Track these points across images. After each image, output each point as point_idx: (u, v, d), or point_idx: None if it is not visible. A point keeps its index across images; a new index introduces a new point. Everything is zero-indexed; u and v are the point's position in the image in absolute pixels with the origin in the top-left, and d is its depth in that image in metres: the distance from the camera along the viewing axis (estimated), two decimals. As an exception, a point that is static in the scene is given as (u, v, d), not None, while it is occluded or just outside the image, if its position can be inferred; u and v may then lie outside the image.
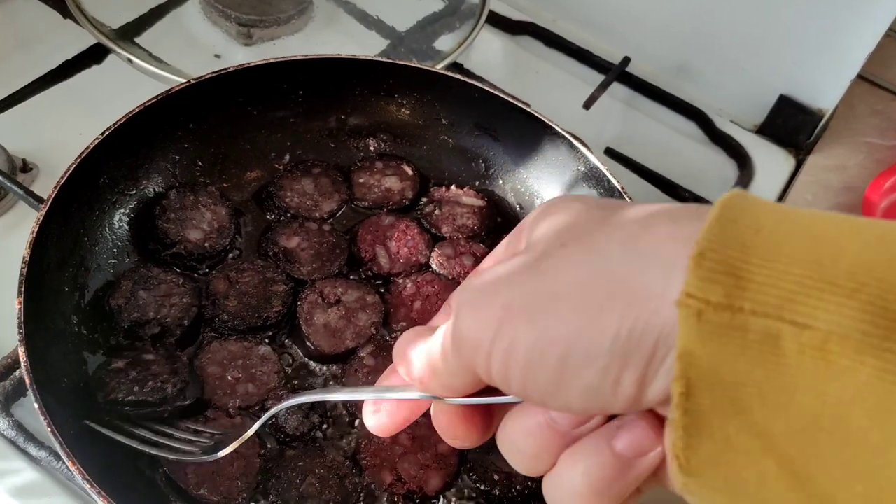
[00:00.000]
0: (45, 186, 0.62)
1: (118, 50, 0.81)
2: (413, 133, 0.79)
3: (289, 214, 0.72)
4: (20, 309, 0.54)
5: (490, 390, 0.36)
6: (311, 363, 0.64)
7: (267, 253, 0.68)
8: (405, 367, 0.39)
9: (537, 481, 0.36)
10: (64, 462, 0.49)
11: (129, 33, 0.86)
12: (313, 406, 0.61)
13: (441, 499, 0.60)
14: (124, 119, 0.64)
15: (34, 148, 0.78)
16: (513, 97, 0.75)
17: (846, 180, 0.97)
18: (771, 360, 0.26)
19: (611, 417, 0.34)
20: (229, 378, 0.61)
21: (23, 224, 0.73)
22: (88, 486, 0.48)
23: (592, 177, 0.72)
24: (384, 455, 0.60)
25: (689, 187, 0.89)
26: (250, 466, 0.57)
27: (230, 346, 0.62)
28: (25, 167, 0.77)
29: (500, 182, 0.79)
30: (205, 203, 0.69)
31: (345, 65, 0.74)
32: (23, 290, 0.54)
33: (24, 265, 0.55)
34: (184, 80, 0.69)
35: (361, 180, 0.76)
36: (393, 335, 0.66)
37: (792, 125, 0.99)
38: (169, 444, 0.53)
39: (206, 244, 0.67)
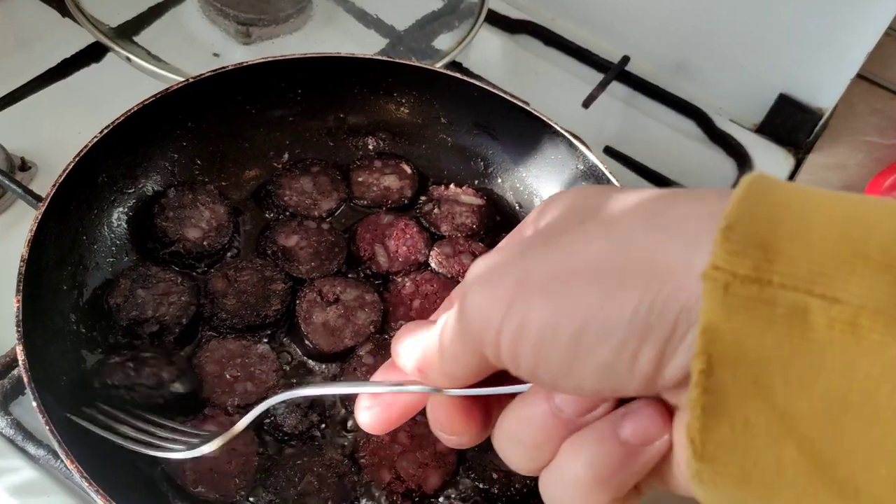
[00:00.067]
0: (44, 185, 0.62)
1: (117, 48, 0.81)
2: (412, 132, 0.79)
3: (287, 213, 0.72)
4: (18, 307, 0.54)
5: (489, 383, 0.36)
6: (310, 362, 0.64)
7: (266, 251, 0.68)
8: (405, 356, 0.38)
9: (536, 480, 0.36)
10: (62, 460, 0.49)
11: (127, 32, 0.86)
12: (312, 404, 0.61)
13: (440, 497, 0.60)
14: (123, 118, 0.64)
15: (33, 146, 0.78)
16: (512, 96, 0.75)
17: (846, 179, 0.97)
18: (798, 336, 0.26)
19: (617, 406, 0.33)
20: (228, 376, 0.61)
21: (21, 222, 0.72)
22: (87, 484, 0.48)
23: (591, 175, 0.72)
24: (383, 453, 0.60)
25: (688, 186, 0.89)
26: (248, 464, 0.57)
27: (229, 345, 0.62)
28: (24, 165, 0.77)
29: (499, 181, 0.79)
30: (203, 202, 0.69)
31: (344, 63, 0.74)
32: (21, 288, 0.54)
33: (22, 263, 0.55)
34: (182, 79, 0.69)
35: (360, 179, 0.76)
36: (391, 334, 0.66)
37: (791, 124, 0.98)
38: (156, 442, 0.52)
39: (205, 243, 0.67)
